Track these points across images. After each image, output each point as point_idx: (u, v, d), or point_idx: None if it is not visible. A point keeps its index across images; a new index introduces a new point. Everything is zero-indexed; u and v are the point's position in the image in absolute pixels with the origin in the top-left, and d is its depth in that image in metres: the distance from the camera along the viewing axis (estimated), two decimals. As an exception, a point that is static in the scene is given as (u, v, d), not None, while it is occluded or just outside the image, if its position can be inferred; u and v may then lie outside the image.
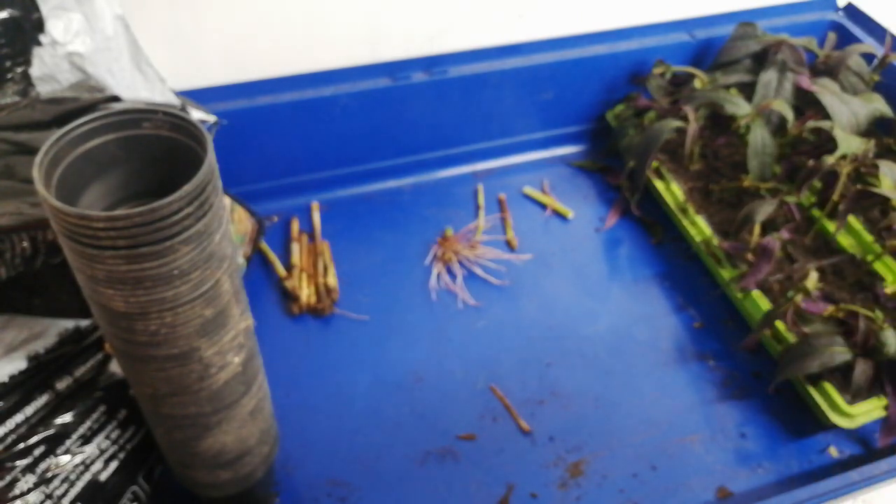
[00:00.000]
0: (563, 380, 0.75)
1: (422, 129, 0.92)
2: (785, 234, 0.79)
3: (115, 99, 0.47)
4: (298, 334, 0.78)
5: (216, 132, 0.64)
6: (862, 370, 0.67)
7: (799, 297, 0.72)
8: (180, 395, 0.47)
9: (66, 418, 0.54)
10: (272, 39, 0.82)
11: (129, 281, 0.39)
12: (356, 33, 0.85)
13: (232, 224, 0.76)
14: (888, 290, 0.75)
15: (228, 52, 0.82)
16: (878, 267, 0.77)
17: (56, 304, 0.57)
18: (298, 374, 0.74)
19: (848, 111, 0.86)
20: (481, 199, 0.92)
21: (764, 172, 0.85)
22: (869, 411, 0.67)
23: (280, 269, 0.82)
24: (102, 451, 0.55)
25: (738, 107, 0.87)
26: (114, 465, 0.56)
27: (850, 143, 0.81)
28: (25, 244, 0.54)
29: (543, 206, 0.93)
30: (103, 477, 0.55)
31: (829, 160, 0.80)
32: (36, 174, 0.38)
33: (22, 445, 0.51)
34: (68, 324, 0.56)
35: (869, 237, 0.80)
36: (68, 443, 0.53)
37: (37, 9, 0.43)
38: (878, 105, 0.88)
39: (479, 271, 0.84)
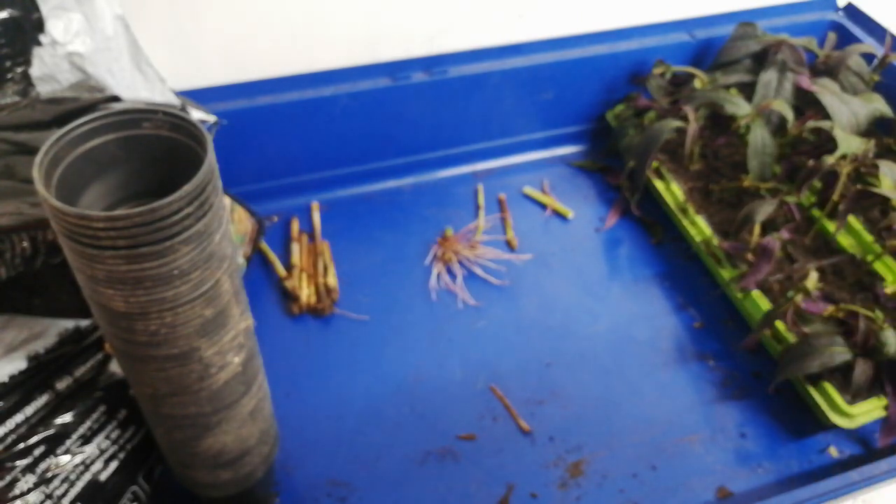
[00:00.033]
0: (563, 380, 0.75)
1: (422, 129, 0.92)
2: (785, 234, 0.79)
3: (115, 99, 0.47)
4: (298, 334, 0.78)
5: (216, 132, 0.64)
6: (862, 370, 0.67)
7: (799, 297, 0.72)
8: (180, 395, 0.47)
9: (66, 418, 0.54)
10: (272, 39, 0.82)
11: (129, 281, 0.39)
12: (356, 33, 0.85)
13: (232, 224, 0.76)
14: (888, 290, 0.75)
15: (228, 52, 0.82)
16: (878, 267, 0.77)
17: (56, 304, 0.57)
18: (298, 374, 0.74)
19: (848, 111, 0.86)
20: (481, 199, 0.92)
21: (764, 172, 0.85)
22: (869, 411, 0.67)
23: (280, 269, 0.82)
24: (102, 451, 0.55)
25: (738, 107, 0.87)
26: (114, 465, 0.56)
27: (850, 143, 0.81)
28: (25, 244, 0.54)
29: (543, 206, 0.93)
30: (103, 477, 0.55)
31: (829, 160, 0.80)
32: (36, 174, 0.38)
33: (22, 445, 0.51)
34: (68, 324, 0.56)
35: (869, 237, 0.80)
36: (68, 443, 0.53)
37: (37, 9, 0.43)
38: (878, 105, 0.88)
39: (479, 271, 0.84)
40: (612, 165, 0.97)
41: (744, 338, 0.77)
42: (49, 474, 0.52)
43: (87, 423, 0.55)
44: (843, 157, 0.81)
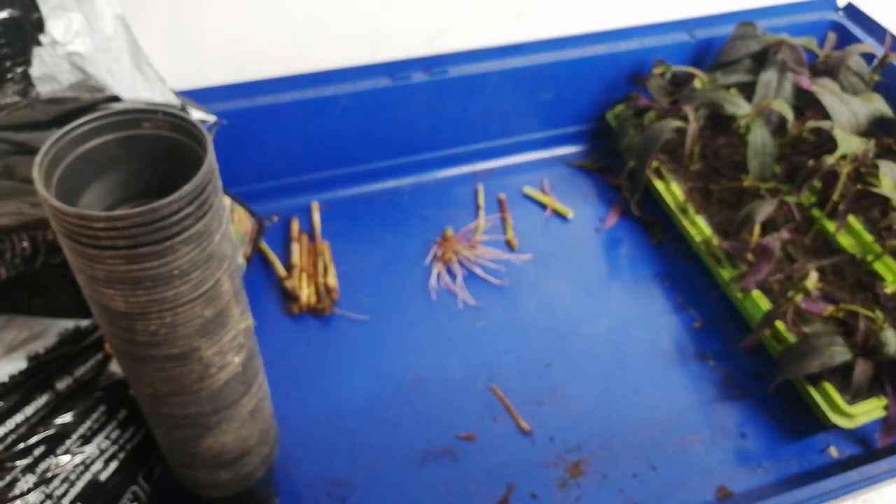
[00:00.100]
0: (563, 380, 0.75)
1: (422, 129, 0.92)
2: (785, 234, 0.79)
3: (115, 99, 0.47)
4: (298, 334, 0.78)
5: (216, 132, 0.64)
6: (862, 370, 0.67)
7: (799, 297, 0.73)
8: (180, 395, 0.47)
9: (66, 418, 0.54)
10: (272, 39, 0.82)
11: (129, 281, 0.39)
12: (356, 33, 0.85)
13: (232, 224, 0.76)
14: (888, 290, 0.75)
15: (228, 52, 0.82)
16: (878, 267, 0.77)
17: (56, 304, 0.57)
18: (298, 374, 0.74)
19: (848, 111, 0.86)
20: (481, 199, 0.92)
21: (764, 172, 0.85)
22: (869, 411, 0.67)
23: (280, 269, 0.82)
24: (102, 451, 0.55)
25: (738, 107, 0.87)
26: (114, 465, 0.56)
27: (850, 143, 0.81)
28: (25, 244, 0.54)
29: (543, 206, 0.93)
30: (103, 477, 0.55)
31: (829, 160, 0.80)
32: (36, 174, 0.38)
33: (22, 445, 0.51)
34: (68, 324, 0.56)
35: (869, 237, 0.80)
36: (68, 443, 0.53)
37: (37, 9, 0.43)
38: (878, 105, 0.88)
39: (479, 271, 0.84)
40: (612, 165, 0.97)
41: (744, 338, 0.77)
42: (49, 474, 0.52)
43: (87, 423, 0.55)
44: (843, 157, 0.81)
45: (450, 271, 0.84)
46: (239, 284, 0.46)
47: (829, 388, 0.68)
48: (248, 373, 0.50)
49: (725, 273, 0.79)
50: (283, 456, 0.66)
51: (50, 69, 0.43)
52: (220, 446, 0.52)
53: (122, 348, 0.44)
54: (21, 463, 0.51)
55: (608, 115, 0.99)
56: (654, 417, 0.72)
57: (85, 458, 0.54)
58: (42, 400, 0.53)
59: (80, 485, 0.53)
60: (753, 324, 0.76)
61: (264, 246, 0.84)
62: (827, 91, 0.87)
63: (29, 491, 0.50)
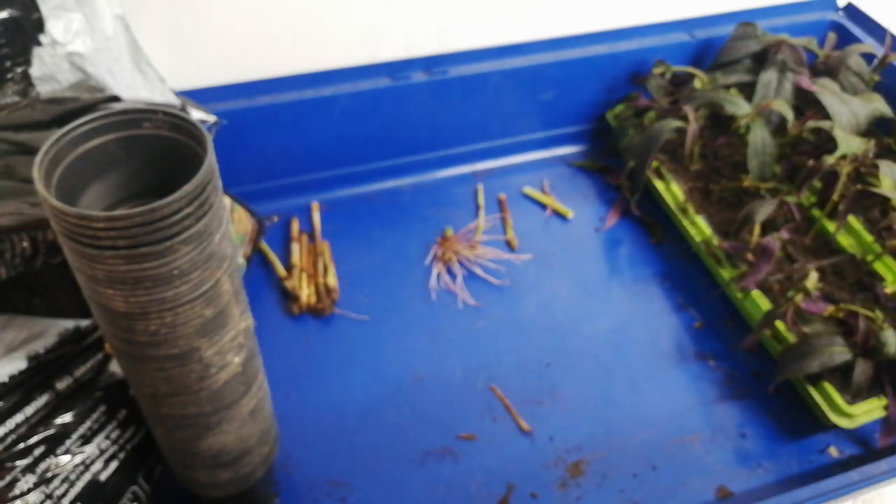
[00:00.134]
0: (563, 380, 0.75)
1: (421, 129, 0.92)
2: (785, 234, 0.79)
3: (115, 99, 0.47)
4: (298, 334, 0.78)
5: (216, 132, 0.64)
6: (862, 370, 0.67)
7: (799, 297, 0.72)
8: (180, 395, 0.47)
9: (66, 418, 0.54)
10: (272, 39, 0.82)
11: (129, 281, 0.39)
12: (356, 33, 0.85)
13: (232, 224, 0.76)
14: (888, 290, 0.75)
15: (228, 52, 0.82)
16: (878, 267, 0.77)
17: (56, 304, 0.57)
18: (298, 374, 0.74)
19: (848, 111, 0.86)
20: (481, 199, 0.92)
21: (764, 172, 0.85)
22: (869, 411, 0.67)
23: (280, 269, 0.82)
24: (102, 451, 0.55)
25: (738, 107, 0.87)
26: (114, 465, 0.56)
27: (850, 143, 0.81)
28: (25, 244, 0.54)
29: (543, 206, 0.93)
30: (103, 477, 0.55)
31: (829, 160, 0.80)
32: (36, 174, 0.38)
33: (22, 445, 0.51)
34: (68, 324, 0.56)
35: (869, 237, 0.80)
36: (68, 443, 0.53)
37: (37, 9, 0.43)
38: (878, 105, 0.88)
39: (479, 271, 0.84)
40: (612, 165, 0.97)
41: (744, 338, 0.77)
42: (49, 474, 0.52)
43: (87, 423, 0.55)
44: (843, 157, 0.81)
45: (450, 271, 0.84)
46: (239, 284, 0.46)
47: (829, 388, 0.68)
48: (248, 373, 0.50)
49: (725, 273, 0.79)
50: (283, 456, 0.66)
51: (50, 69, 0.43)
52: (220, 446, 0.52)
53: (122, 348, 0.44)
54: (21, 463, 0.51)
55: (608, 115, 0.99)
56: (654, 417, 0.72)
57: (85, 458, 0.54)
58: (42, 400, 0.53)
59: (80, 485, 0.53)
60: (753, 324, 0.76)
61: (264, 246, 0.84)
62: (827, 91, 0.87)
63: (29, 491, 0.50)
